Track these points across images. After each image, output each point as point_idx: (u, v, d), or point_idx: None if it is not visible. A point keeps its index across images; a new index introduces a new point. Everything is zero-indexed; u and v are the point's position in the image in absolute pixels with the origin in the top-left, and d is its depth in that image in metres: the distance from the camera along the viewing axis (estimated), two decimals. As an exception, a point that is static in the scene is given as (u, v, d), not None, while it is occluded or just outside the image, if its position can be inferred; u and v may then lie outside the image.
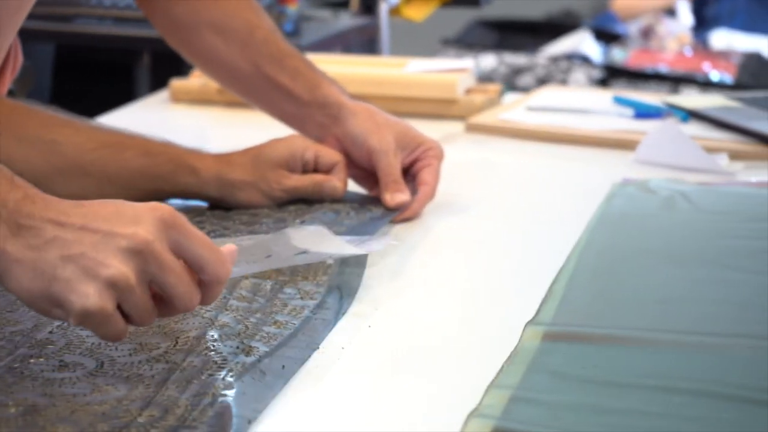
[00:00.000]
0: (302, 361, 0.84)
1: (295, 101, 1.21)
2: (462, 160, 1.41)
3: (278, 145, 1.17)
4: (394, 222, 1.16)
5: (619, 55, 3.13)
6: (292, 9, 2.41)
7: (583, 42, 3.23)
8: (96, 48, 2.68)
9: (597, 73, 2.84)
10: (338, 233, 1.08)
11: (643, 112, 1.60)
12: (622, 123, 1.57)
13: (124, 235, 0.74)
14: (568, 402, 0.77)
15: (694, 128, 1.52)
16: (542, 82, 2.76)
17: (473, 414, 0.74)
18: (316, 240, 0.96)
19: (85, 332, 0.83)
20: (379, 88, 1.64)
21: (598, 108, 1.64)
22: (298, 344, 0.87)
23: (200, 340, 0.84)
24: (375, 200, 1.19)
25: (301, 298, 0.94)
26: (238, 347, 0.84)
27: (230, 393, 0.77)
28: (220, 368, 0.80)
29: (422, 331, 0.92)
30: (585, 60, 2.99)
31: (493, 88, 1.72)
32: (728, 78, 2.83)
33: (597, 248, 1.08)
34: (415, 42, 3.21)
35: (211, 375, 0.79)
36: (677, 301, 0.96)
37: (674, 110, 1.60)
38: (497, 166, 1.45)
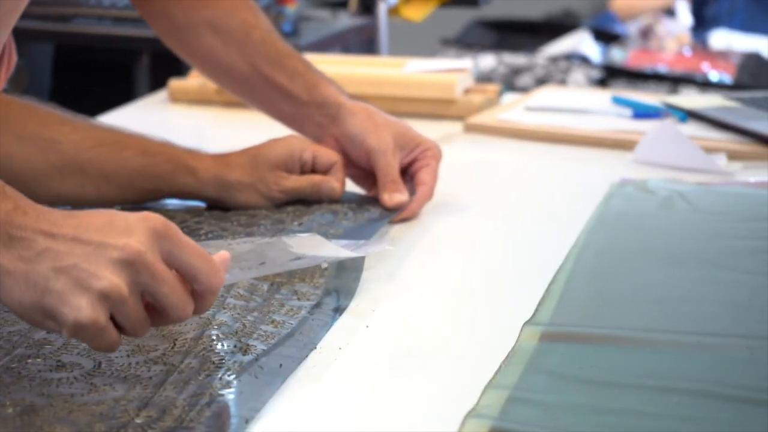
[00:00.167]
0: (300, 359, 0.84)
1: (293, 101, 1.21)
2: (460, 161, 1.41)
3: (276, 145, 1.17)
4: (392, 222, 1.16)
5: (618, 55, 3.13)
6: (290, 9, 2.41)
7: (582, 42, 3.23)
8: (95, 48, 2.68)
9: (596, 73, 2.83)
10: (336, 235, 1.08)
11: (642, 112, 1.60)
12: (621, 123, 1.57)
13: (116, 246, 0.74)
14: (565, 402, 0.77)
15: (692, 128, 1.52)
16: (541, 82, 2.76)
17: (470, 414, 0.74)
18: (311, 246, 0.96)
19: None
20: (377, 88, 1.64)
21: (596, 108, 1.64)
22: (296, 343, 0.87)
23: (198, 342, 0.84)
24: (373, 200, 1.19)
25: (298, 299, 0.94)
26: (235, 346, 0.84)
27: (228, 393, 0.77)
28: (218, 368, 0.80)
29: (420, 332, 0.92)
30: (584, 60, 2.99)
31: (492, 88, 1.72)
32: (727, 78, 2.83)
33: (595, 248, 1.08)
34: (414, 42, 3.21)
35: (208, 375, 0.79)
36: (675, 301, 0.96)
37: (673, 110, 1.60)
38: (496, 166, 1.45)
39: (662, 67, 2.95)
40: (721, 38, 3.41)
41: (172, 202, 1.18)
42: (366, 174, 1.21)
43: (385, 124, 1.20)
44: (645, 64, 2.97)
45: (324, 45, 2.42)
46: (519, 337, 0.88)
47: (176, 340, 0.84)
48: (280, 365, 0.82)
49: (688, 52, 3.15)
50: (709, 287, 0.99)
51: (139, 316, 0.76)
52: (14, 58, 1.08)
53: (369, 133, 1.19)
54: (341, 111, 1.20)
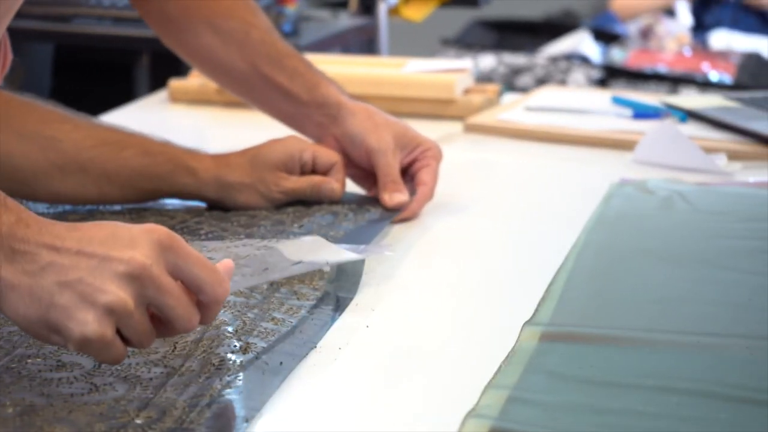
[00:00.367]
0: (300, 357, 0.84)
1: (293, 101, 1.21)
2: (460, 161, 1.41)
3: (276, 146, 1.17)
4: (392, 222, 1.16)
5: (618, 55, 3.13)
6: (291, 9, 2.41)
7: (582, 42, 3.23)
8: (95, 48, 2.68)
9: (596, 74, 2.84)
10: (336, 237, 1.08)
11: (642, 113, 1.60)
12: (621, 123, 1.57)
13: (121, 259, 0.73)
14: (565, 402, 0.77)
15: (692, 128, 1.52)
16: (541, 82, 2.76)
17: (470, 414, 0.74)
18: (311, 250, 0.96)
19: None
20: (377, 88, 1.64)
21: (596, 108, 1.64)
22: (296, 341, 0.87)
23: (198, 344, 0.84)
24: (373, 200, 1.19)
25: (298, 299, 0.94)
26: (235, 346, 0.84)
27: (228, 393, 0.77)
28: (218, 369, 0.80)
29: (420, 331, 0.92)
30: (584, 60, 2.99)
31: (492, 88, 1.72)
32: (727, 78, 2.83)
33: (595, 248, 1.09)
34: (414, 42, 3.21)
35: (208, 377, 0.79)
36: (675, 301, 0.96)
37: (673, 110, 1.60)
38: (496, 166, 1.45)
39: (662, 67, 2.95)
40: (721, 38, 3.41)
41: (172, 202, 1.18)
42: (366, 174, 1.21)
43: (386, 124, 1.20)
44: (645, 64, 2.97)
45: (324, 45, 2.42)
46: (519, 337, 0.88)
47: (176, 343, 0.84)
48: (281, 363, 0.82)
49: (688, 52, 3.16)
50: (709, 287, 0.99)
51: (144, 329, 0.75)
52: (9, 56, 1.08)
53: (369, 133, 1.19)
54: (341, 111, 1.20)
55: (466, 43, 3.32)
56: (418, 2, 2.63)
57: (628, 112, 1.61)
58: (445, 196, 1.23)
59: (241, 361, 0.81)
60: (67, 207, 1.15)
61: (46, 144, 1.09)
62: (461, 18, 3.71)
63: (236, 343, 0.84)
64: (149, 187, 1.14)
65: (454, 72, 1.67)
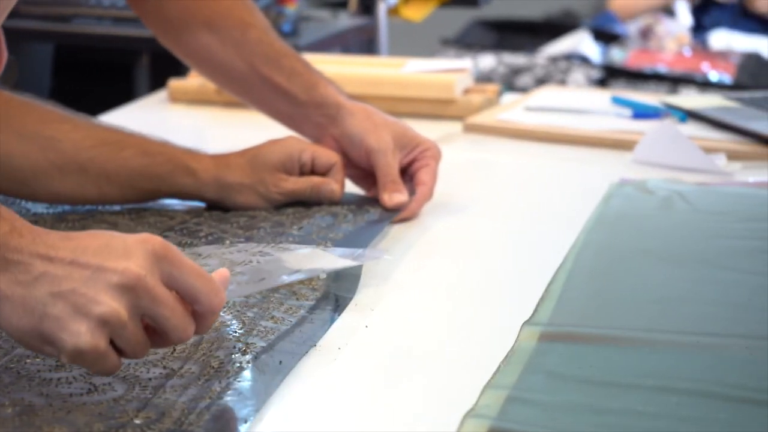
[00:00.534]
0: (300, 356, 0.84)
1: (291, 101, 1.21)
2: (460, 161, 1.41)
3: (275, 147, 1.17)
4: (392, 223, 1.16)
5: (618, 55, 3.13)
6: (290, 9, 2.41)
7: (582, 42, 3.23)
8: (95, 48, 2.68)
9: (596, 74, 2.84)
10: (335, 240, 1.08)
11: (642, 113, 1.60)
12: (621, 123, 1.57)
13: (116, 270, 0.72)
14: (564, 402, 0.77)
15: (692, 128, 1.52)
16: (541, 82, 2.76)
17: (469, 414, 0.74)
18: (309, 261, 0.96)
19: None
20: (377, 88, 1.64)
21: (596, 108, 1.64)
22: (296, 340, 0.87)
23: (198, 347, 0.84)
24: (373, 201, 1.19)
25: (297, 299, 0.94)
26: (234, 347, 0.84)
27: (227, 395, 0.77)
28: (218, 372, 0.80)
29: (419, 331, 0.92)
30: (584, 60, 2.99)
31: (492, 88, 1.72)
32: (727, 78, 2.83)
33: (594, 248, 1.08)
34: (413, 42, 3.21)
35: (208, 380, 0.79)
36: (675, 301, 0.96)
37: (672, 110, 1.60)
38: (495, 166, 1.45)
39: (662, 67, 2.95)
40: (721, 38, 3.41)
41: (172, 203, 1.18)
42: (365, 174, 1.21)
43: (385, 124, 1.20)
44: (645, 64, 2.97)
45: (324, 45, 2.42)
46: (518, 337, 0.88)
47: (176, 345, 0.84)
48: (280, 362, 0.82)
49: (687, 52, 3.16)
50: (709, 287, 0.99)
51: (138, 340, 0.74)
52: (5, 54, 1.08)
53: (368, 133, 1.19)
54: (340, 111, 1.20)
55: (465, 43, 3.32)
56: (417, 2, 2.63)
57: (628, 112, 1.61)
58: (445, 196, 1.23)
59: (241, 363, 0.81)
60: (67, 207, 1.15)
61: (45, 144, 1.09)
62: (461, 18, 3.71)
63: (236, 345, 0.84)
64: (149, 187, 1.14)
65: (453, 72, 1.67)
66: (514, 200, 1.29)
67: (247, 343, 0.84)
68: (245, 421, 0.74)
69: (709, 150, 1.41)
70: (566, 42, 3.35)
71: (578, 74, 2.83)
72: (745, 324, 0.91)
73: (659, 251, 1.08)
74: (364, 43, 2.68)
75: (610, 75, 2.84)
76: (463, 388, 0.79)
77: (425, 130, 1.26)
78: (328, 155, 1.18)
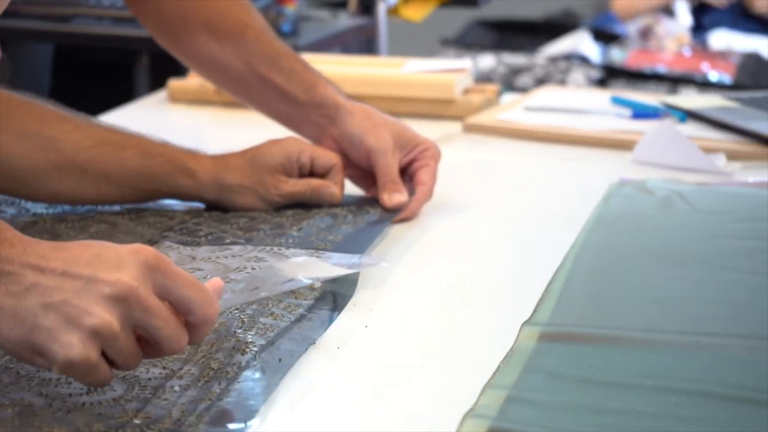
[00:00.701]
0: (299, 353, 0.84)
1: (290, 101, 1.21)
2: (459, 161, 1.41)
3: (274, 149, 1.16)
4: (392, 223, 1.16)
5: (618, 55, 3.13)
6: (290, 9, 2.41)
7: (581, 42, 3.23)
8: (95, 48, 2.68)
9: (596, 74, 2.84)
10: (335, 242, 1.07)
11: (641, 113, 1.60)
12: (620, 123, 1.57)
13: (108, 281, 0.71)
14: (564, 402, 0.77)
15: (691, 128, 1.52)
16: (541, 82, 2.76)
17: (469, 414, 0.74)
18: (303, 269, 0.95)
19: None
20: (376, 88, 1.64)
21: (596, 108, 1.64)
22: (295, 337, 0.87)
23: (197, 349, 0.83)
24: (372, 201, 1.19)
25: (296, 298, 0.94)
26: (234, 347, 0.84)
27: (227, 397, 0.77)
28: (217, 374, 0.80)
29: (419, 331, 0.92)
30: (584, 60, 2.99)
31: (491, 88, 1.72)
32: (727, 78, 2.83)
33: (594, 248, 1.08)
34: (413, 42, 3.21)
35: (207, 381, 0.79)
36: (674, 301, 0.96)
37: (672, 110, 1.60)
38: (495, 166, 1.45)
39: (662, 68, 2.95)
40: (721, 38, 3.41)
41: (171, 203, 1.18)
42: (365, 174, 1.21)
43: (384, 124, 1.20)
44: (644, 65, 2.97)
45: (323, 45, 2.42)
46: (518, 337, 0.88)
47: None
48: (279, 360, 0.82)
49: (687, 53, 3.15)
50: (709, 287, 0.99)
51: (131, 351, 0.73)
52: (-1, 52, 1.08)
53: (368, 133, 1.19)
54: (340, 111, 1.20)
55: (465, 43, 3.32)
56: (417, 2, 2.63)
57: (628, 112, 1.61)
58: (444, 196, 1.23)
59: (240, 363, 0.81)
60: (66, 207, 1.15)
61: (45, 144, 1.09)
62: (461, 18, 3.71)
63: (235, 345, 0.84)
64: (148, 188, 1.14)
65: (453, 72, 1.67)
66: (514, 200, 1.29)
67: (247, 342, 0.84)
68: (245, 422, 0.74)
69: (708, 150, 1.41)
70: (566, 42, 3.35)
71: (578, 74, 2.83)
72: (745, 324, 0.91)
73: (659, 251, 1.08)
74: (364, 43, 2.68)
75: (610, 75, 2.84)
76: (462, 388, 0.79)
77: (425, 130, 1.26)
78: (327, 156, 1.18)
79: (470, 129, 1.57)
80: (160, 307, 0.73)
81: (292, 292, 0.95)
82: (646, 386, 0.79)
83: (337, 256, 1.01)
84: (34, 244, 0.73)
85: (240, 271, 0.93)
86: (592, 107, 1.64)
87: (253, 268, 0.94)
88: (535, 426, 0.73)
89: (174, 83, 1.74)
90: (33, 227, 1.10)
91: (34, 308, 0.71)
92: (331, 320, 0.92)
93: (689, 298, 0.97)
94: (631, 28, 3.41)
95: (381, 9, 2.62)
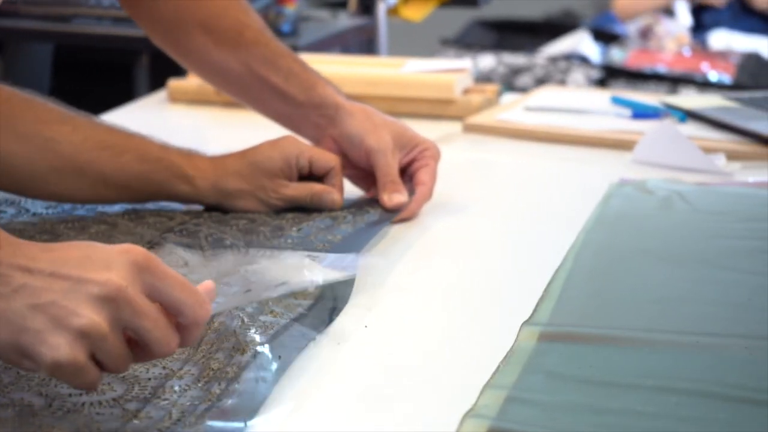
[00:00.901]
0: (299, 349, 0.84)
1: (289, 102, 1.21)
2: (459, 161, 1.41)
3: (273, 153, 1.15)
4: (391, 223, 1.16)
5: (618, 55, 3.13)
6: (290, 9, 2.41)
7: (581, 42, 3.23)
8: (95, 48, 2.68)
9: (596, 74, 2.84)
10: (334, 242, 1.07)
11: (641, 113, 1.60)
12: (620, 123, 1.57)
13: (96, 281, 0.70)
14: (564, 402, 0.77)
15: (691, 128, 1.52)
16: (541, 82, 2.76)
17: (469, 414, 0.74)
18: (295, 270, 0.95)
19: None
20: (376, 88, 1.64)
21: (596, 108, 1.64)
22: (295, 333, 0.87)
23: (197, 349, 0.83)
24: (372, 201, 1.19)
25: (295, 298, 0.94)
26: (234, 347, 0.84)
27: (227, 398, 0.77)
28: (218, 374, 0.80)
29: (418, 331, 0.92)
30: (584, 60, 2.99)
31: (491, 88, 1.72)
32: (727, 78, 2.83)
33: (594, 248, 1.08)
34: (413, 42, 3.21)
35: (207, 382, 0.79)
36: (674, 301, 0.96)
37: (672, 110, 1.60)
38: (495, 166, 1.45)
39: (662, 68, 2.95)
40: (721, 38, 3.41)
41: (171, 203, 1.17)
42: (364, 174, 1.21)
43: (384, 124, 1.20)
44: (644, 65, 2.97)
45: (323, 45, 2.42)
46: (517, 337, 0.88)
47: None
48: (279, 357, 0.82)
49: (687, 53, 3.16)
50: (709, 287, 0.99)
51: (120, 353, 0.71)
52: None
53: (368, 133, 1.18)
54: (339, 112, 1.20)
55: (465, 43, 3.32)
56: (417, 2, 2.63)
57: (628, 112, 1.61)
58: (444, 196, 1.23)
59: (239, 364, 0.81)
60: (66, 206, 1.15)
61: (44, 145, 1.09)
62: (461, 18, 3.71)
63: (235, 345, 0.84)
64: (146, 192, 1.13)
65: (453, 72, 1.67)
66: (514, 200, 1.29)
67: (247, 342, 0.84)
68: (245, 422, 0.74)
69: (708, 150, 1.41)
70: (566, 42, 3.35)
71: (578, 74, 2.83)
72: (745, 324, 0.91)
73: (659, 251, 1.08)
74: (364, 43, 2.68)
75: (610, 75, 2.84)
76: (462, 388, 0.79)
77: (425, 130, 1.26)
78: (326, 158, 1.17)
79: (470, 129, 1.57)
80: (150, 308, 0.72)
81: (291, 291, 0.95)
82: (646, 386, 0.79)
83: (332, 257, 1.01)
84: (23, 245, 0.73)
85: (232, 275, 0.93)
86: (592, 107, 1.64)
87: (246, 270, 0.94)
88: (535, 426, 0.73)
89: (174, 83, 1.74)
90: (33, 227, 1.10)
91: (21, 310, 0.70)
92: (331, 319, 0.92)
93: (689, 298, 0.97)
94: (631, 28, 3.41)
95: (381, 9, 2.62)
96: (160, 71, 2.13)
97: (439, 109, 1.64)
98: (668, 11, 3.69)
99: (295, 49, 1.27)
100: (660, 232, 1.15)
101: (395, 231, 1.15)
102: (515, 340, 0.87)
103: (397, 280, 1.02)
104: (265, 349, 0.83)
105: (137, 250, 0.72)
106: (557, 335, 0.88)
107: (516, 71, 2.90)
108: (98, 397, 0.75)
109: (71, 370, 0.70)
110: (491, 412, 0.75)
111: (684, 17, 3.66)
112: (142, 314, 0.71)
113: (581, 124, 1.56)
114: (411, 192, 1.18)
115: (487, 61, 2.98)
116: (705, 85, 2.68)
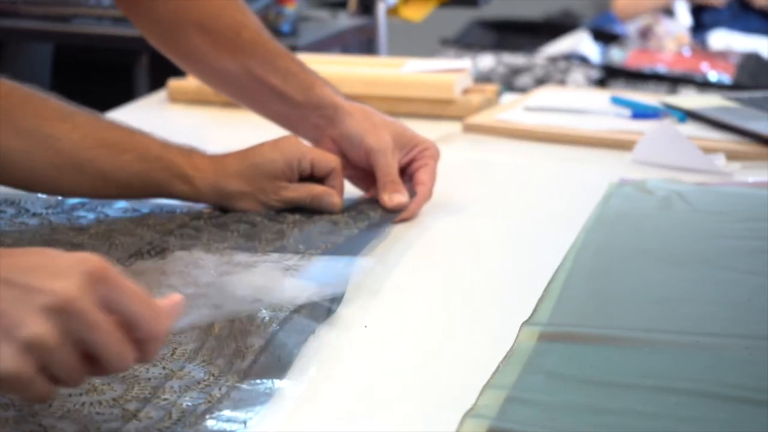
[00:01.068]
0: (299, 345, 0.84)
1: (287, 102, 1.20)
2: (459, 161, 1.41)
3: (274, 155, 1.14)
4: (391, 224, 1.16)
5: (618, 55, 3.13)
6: (290, 9, 2.41)
7: (581, 42, 3.23)
8: (95, 48, 2.68)
9: (595, 74, 2.84)
10: (336, 244, 1.07)
11: (641, 113, 1.60)
12: (620, 123, 1.57)
13: (46, 290, 0.66)
14: (564, 402, 0.77)
15: (691, 128, 1.52)
16: (540, 82, 2.76)
17: (469, 414, 0.74)
18: (268, 286, 0.93)
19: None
20: (376, 88, 1.64)
21: (595, 108, 1.64)
22: (294, 327, 0.86)
23: (198, 353, 0.83)
24: (372, 202, 1.19)
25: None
26: (234, 353, 0.83)
27: (227, 398, 0.77)
28: (218, 379, 0.80)
29: (418, 331, 0.92)
30: (583, 60, 2.99)
31: (491, 88, 1.72)
32: (726, 78, 2.83)
33: (594, 248, 1.08)
34: (413, 42, 3.21)
35: (207, 385, 0.78)
36: (674, 301, 0.96)
37: (672, 110, 1.60)
38: (494, 166, 1.45)
39: (661, 68, 2.95)
40: (721, 38, 3.41)
41: (170, 203, 1.17)
42: (364, 174, 1.21)
43: (383, 124, 1.20)
44: (644, 65, 2.97)
45: (323, 45, 2.43)
46: (517, 337, 0.88)
47: (176, 349, 0.83)
48: (279, 358, 0.82)
49: (687, 53, 3.16)
50: (708, 287, 0.99)
51: (72, 367, 0.68)
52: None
53: (368, 133, 1.18)
54: (338, 112, 1.19)
55: (465, 43, 3.32)
56: (417, 2, 2.63)
57: (627, 112, 1.61)
58: (444, 196, 1.23)
59: (239, 369, 0.81)
60: (66, 206, 1.15)
61: (44, 142, 1.08)
62: (461, 18, 3.71)
63: (235, 348, 0.84)
64: (146, 190, 1.13)
65: (453, 72, 1.67)
66: (514, 200, 1.29)
67: (246, 345, 0.84)
68: (245, 423, 0.74)
69: (708, 150, 1.41)
70: (566, 42, 3.35)
71: (578, 74, 2.83)
72: (745, 324, 0.91)
73: (659, 251, 1.08)
74: (364, 43, 2.68)
75: (610, 75, 2.84)
76: (462, 388, 0.79)
77: (424, 130, 1.26)
78: (327, 160, 1.16)
79: (470, 129, 1.57)
80: (103, 320, 0.68)
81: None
82: (646, 386, 0.79)
83: (322, 263, 1.00)
84: None
85: (209, 286, 0.92)
86: (591, 107, 1.64)
87: (222, 283, 0.92)
88: (535, 426, 0.73)
89: (174, 83, 1.74)
90: (32, 228, 1.10)
91: None
92: (327, 316, 0.91)
93: (689, 298, 0.97)
94: (631, 28, 3.42)
95: (381, 9, 2.62)
96: (160, 71, 2.12)
97: (438, 109, 1.64)
98: (668, 11, 3.69)
99: (295, 49, 1.27)
100: (660, 232, 1.15)
101: (395, 231, 1.15)
102: (515, 340, 0.87)
103: (397, 281, 1.02)
104: (265, 352, 0.83)
105: (93, 260, 0.69)
106: (557, 335, 0.88)
107: (516, 71, 2.90)
108: (98, 397, 0.75)
109: (17, 382, 0.66)
110: (491, 412, 0.75)
111: (684, 17, 3.66)
112: (94, 327, 0.67)
113: (581, 124, 1.56)
114: (411, 192, 1.18)
115: (486, 61, 2.98)
116: (705, 85, 2.68)
